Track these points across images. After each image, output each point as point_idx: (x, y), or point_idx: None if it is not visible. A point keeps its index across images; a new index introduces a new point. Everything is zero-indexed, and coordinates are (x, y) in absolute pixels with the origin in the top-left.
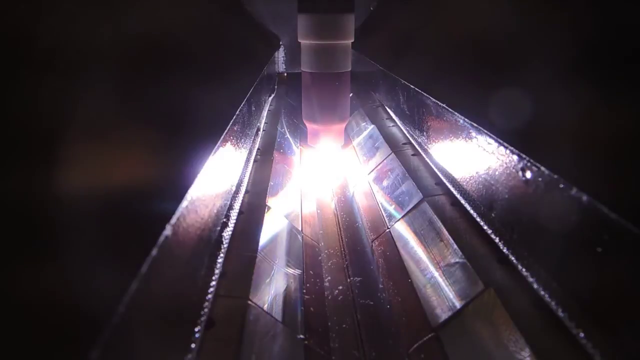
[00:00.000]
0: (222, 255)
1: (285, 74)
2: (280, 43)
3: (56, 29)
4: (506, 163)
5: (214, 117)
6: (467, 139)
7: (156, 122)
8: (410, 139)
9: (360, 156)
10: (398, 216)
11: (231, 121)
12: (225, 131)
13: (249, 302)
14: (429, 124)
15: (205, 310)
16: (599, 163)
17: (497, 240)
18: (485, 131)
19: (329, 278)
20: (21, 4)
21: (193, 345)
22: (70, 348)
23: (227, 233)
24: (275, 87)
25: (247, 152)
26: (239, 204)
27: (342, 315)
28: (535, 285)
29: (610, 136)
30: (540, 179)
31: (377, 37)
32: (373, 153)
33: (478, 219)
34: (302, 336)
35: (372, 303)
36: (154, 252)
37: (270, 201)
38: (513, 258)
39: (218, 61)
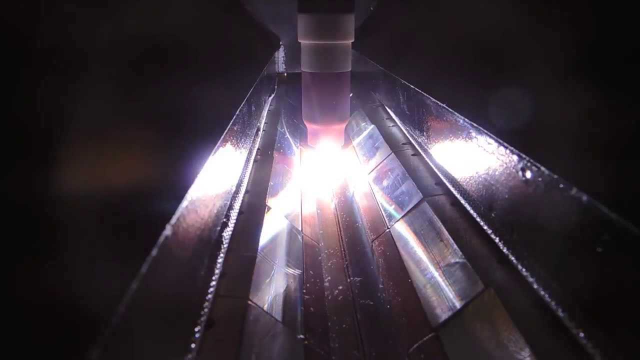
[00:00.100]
0: (222, 255)
1: (285, 74)
2: (280, 43)
3: (56, 29)
4: (506, 163)
5: (214, 117)
6: (467, 139)
7: (156, 122)
8: (410, 139)
9: (360, 156)
10: (398, 216)
11: (231, 121)
12: (225, 131)
13: (249, 302)
14: (429, 124)
15: (205, 310)
16: (599, 163)
17: (497, 240)
18: (485, 131)
19: (329, 278)
20: (21, 4)
21: (193, 345)
22: (70, 348)
23: (227, 233)
24: (275, 87)
25: (247, 152)
26: (239, 204)
27: (342, 315)
28: (535, 285)
29: (610, 136)
30: (540, 179)
31: (377, 37)
32: (373, 153)
33: (478, 219)
34: (302, 336)
35: (372, 303)
36: (154, 252)
37: (270, 201)
38: (513, 258)
39: (218, 61)
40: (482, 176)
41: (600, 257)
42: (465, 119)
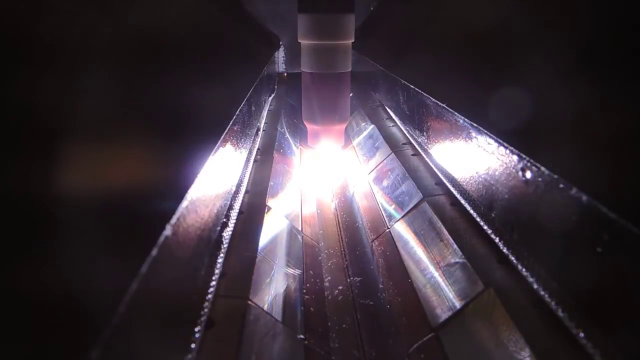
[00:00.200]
0: (222, 255)
1: (285, 74)
2: (280, 43)
3: (57, 28)
4: (506, 163)
5: (214, 117)
6: (467, 139)
7: (156, 122)
8: (410, 139)
9: (360, 156)
10: (398, 216)
11: (231, 121)
12: (225, 131)
13: (249, 302)
14: (429, 124)
15: (205, 310)
16: (599, 163)
17: (497, 240)
18: (485, 131)
19: (329, 278)
20: (21, 4)
21: (193, 345)
22: (71, 348)
23: (227, 233)
24: (275, 87)
25: (247, 152)
26: (239, 204)
27: (342, 315)
28: (535, 285)
29: (610, 136)
30: (540, 179)
31: (377, 37)
32: (373, 153)
33: (478, 219)
34: (302, 336)
35: (372, 303)
36: (154, 252)
37: (270, 201)
38: (513, 258)
39: (218, 61)
40: (482, 176)
41: (600, 257)
42: (465, 119)
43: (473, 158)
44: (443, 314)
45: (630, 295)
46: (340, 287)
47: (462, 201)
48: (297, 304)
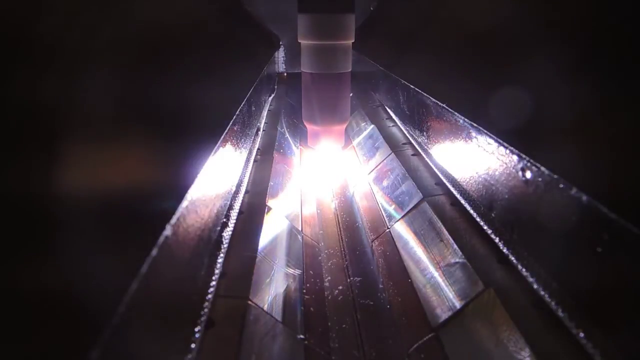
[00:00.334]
0: (222, 255)
1: (285, 74)
2: (280, 43)
3: (57, 28)
4: (506, 163)
5: (214, 117)
6: (467, 139)
7: (156, 122)
8: (410, 139)
9: (360, 156)
10: (398, 216)
11: (231, 121)
12: (225, 131)
13: (249, 302)
14: (429, 124)
15: (205, 310)
16: (599, 163)
17: (497, 240)
18: (485, 131)
19: (329, 278)
20: (21, 4)
21: (193, 345)
22: (71, 348)
23: (227, 233)
24: (275, 87)
25: (247, 152)
26: (239, 204)
27: (342, 315)
28: (535, 285)
29: (610, 136)
30: (540, 179)
31: (377, 37)
32: (373, 153)
33: (478, 219)
34: (302, 336)
35: (372, 303)
36: (154, 252)
37: (271, 201)
38: (513, 258)
39: (218, 61)
40: (482, 176)
41: (600, 257)
42: (465, 119)
43: (473, 158)
44: (443, 314)
45: (630, 295)
46: (340, 287)
47: (462, 201)
48: (297, 304)
